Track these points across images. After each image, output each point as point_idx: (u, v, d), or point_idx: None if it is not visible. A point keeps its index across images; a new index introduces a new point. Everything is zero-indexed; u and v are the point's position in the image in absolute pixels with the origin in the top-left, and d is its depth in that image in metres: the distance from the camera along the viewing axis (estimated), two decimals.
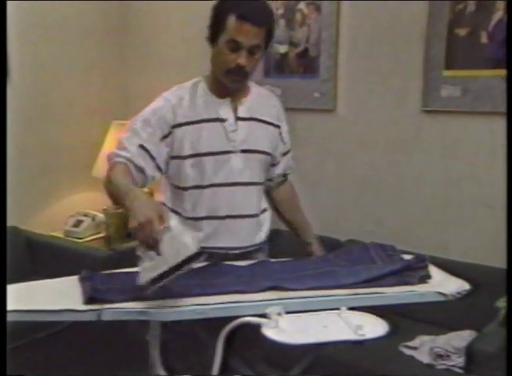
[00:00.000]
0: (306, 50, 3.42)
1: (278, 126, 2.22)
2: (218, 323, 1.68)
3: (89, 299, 1.70)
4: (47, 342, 2.97)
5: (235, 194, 2.08)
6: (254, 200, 2.15)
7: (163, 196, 2.16)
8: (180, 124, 2.01)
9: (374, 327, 1.61)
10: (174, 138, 2.01)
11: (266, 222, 2.22)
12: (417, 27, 3.01)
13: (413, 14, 3.02)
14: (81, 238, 3.68)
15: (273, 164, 2.26)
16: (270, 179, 2.29)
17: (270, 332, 1.58)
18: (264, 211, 2.22)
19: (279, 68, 3.55)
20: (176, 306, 1.70)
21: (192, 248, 1.61)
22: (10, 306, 1.66)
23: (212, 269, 2.00)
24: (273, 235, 2.32)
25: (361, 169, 3.33)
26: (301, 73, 3.46)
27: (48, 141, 3.81)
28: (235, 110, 2.08)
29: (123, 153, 1.95)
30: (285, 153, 2.29)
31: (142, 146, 1.97)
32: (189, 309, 1.69)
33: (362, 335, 1.55)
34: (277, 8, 3.45)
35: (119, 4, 4.12)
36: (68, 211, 3.86)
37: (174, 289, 1.79)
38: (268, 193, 2.30)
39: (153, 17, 3.98)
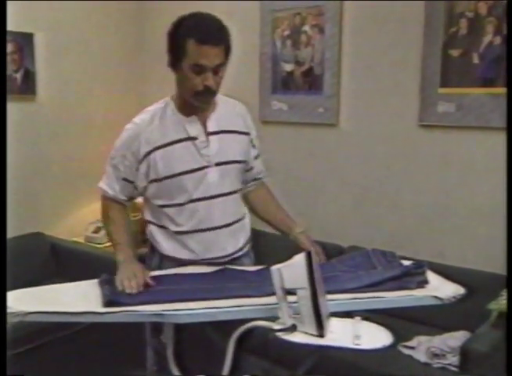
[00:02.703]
0: (311, 69, 3.42)
1: (247, 133, 2.15)
2: (229, 325, 1.68)
3: (108, 302, 1.70)
4: (64, 342, 2.96)
5: (214, 207, 2.03)
6: (233, 208, 2.11)
7: (147, 213, 2.13)
8: (152, 151, 1.97)
9: (375, 339, 1.62)
10: (149, 163, 1.98)
11: (247, 226, 2.19)
12: (414, 47, 3.00)
13: (410, 36, 3.02)
14: (100, 243, 3.69)
15: (248, 170, 2.20)
16: (246, 184, 2.23)
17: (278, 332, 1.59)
18: (244, 216, 2.18)
19: (285, 85, 3.55)
20: (189, 309, 1.69)
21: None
22: (34, 307, 1.67)
23: (222, 274, 1.99)
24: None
25: (362, 179, 3.32)
26: (306, 90, 3.46)
27: (71, 153, 3.83)
28: (204, 125, 2.02)
29: (110, 191, 2.08)
30: (256, 157, 2.23)
31: (125, 179, 2.04)
32: (201, 312, 1.68)
33: (358, 345, 1.58)
34: (284, 29, 3.46)
35: (136, 25, 4.14)
36: (89, 218, 3.87)
37: (188, 293, 1.79)
38: (246, 198, 2.25)
39: None
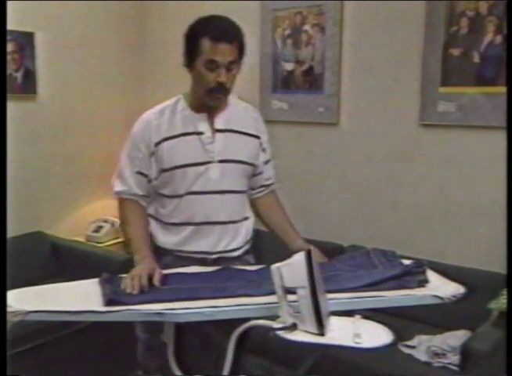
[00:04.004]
0: (311, 68, 3.42)
1: (257, 136, 2.16)
2: (230, 324, 1.68)
3: (109, 301, 1.70)
4: (64, 342, 2.96)
5: (211, 202, 2.05)
6: (231, 207, 2.11)
7: (150, 208, 2.15)
8: (162, 141, 2.03)
9: (375, 338, 1.62)
10: (160, 153, 2.03)
11: (245, 230, 2.16)
12: (415, 46, 3.00)
13: (411, 35, 3.02)
14: (101, 242, 3.69)
15: (256, 174, 2.20)
16: (254, 189, 2.24)
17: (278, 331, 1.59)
18: (245, 218, 2.17)
19: (285, 84, 3.55)
20: (189, 308, 1.69)
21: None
22: (35, 306, 1.67)
23: (223, 273, 1.99)
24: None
25: (362, 179, 3.32)
26: (306, 89, 3.46)
27: (71, 153, 3.83)
28: (212, 123, 2.06)
29: (125, 188, 2.09)
30: (266, 162, 2.22)
31: (139, 173, 2.07)
32: (201, 312, 1.68)
33: (358, 343, 1.58)
34: (284, 29, 3.47)
35: (137, 25, 4.14)
36: (89, 217, 3.88)
37: (188, 292, 1.79)
38: (253, 203, 2.24)
39: (168, 37, 3.98)
